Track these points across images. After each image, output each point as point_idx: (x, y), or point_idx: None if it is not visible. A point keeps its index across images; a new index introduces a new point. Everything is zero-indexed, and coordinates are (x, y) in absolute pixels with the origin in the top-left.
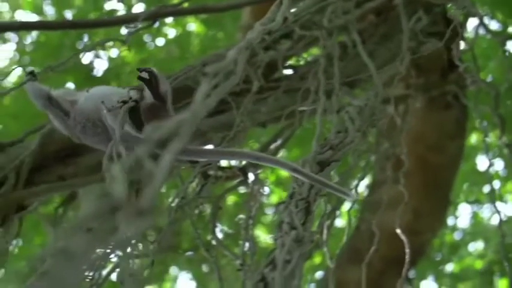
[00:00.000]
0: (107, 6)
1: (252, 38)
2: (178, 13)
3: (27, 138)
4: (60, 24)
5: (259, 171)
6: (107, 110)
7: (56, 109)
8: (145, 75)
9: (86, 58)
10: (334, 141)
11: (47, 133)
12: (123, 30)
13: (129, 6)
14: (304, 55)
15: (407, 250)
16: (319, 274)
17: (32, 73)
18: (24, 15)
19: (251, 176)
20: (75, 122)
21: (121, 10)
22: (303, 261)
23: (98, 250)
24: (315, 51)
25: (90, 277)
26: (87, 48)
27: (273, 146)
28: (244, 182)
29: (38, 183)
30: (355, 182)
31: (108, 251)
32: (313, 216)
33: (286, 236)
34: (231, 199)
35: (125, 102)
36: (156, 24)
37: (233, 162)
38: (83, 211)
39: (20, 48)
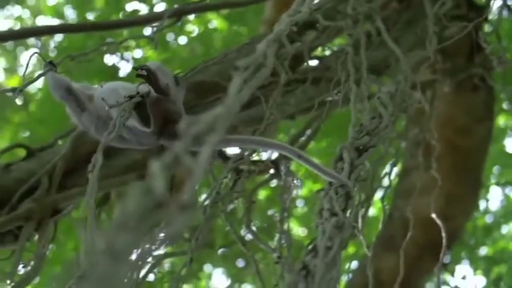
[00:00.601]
0: (129, 7)
1: (280, 30)
2: (202, 9)
3: (57, 142)
4: (83, 27)
5: (290, 163)
6: (109, 106)
7: (74, 102)
8: (143, 72)
9: (111, 59)
10: (370, 127)
11: (77, 136)
12: (147, 31)
13: (150, 6)
14: (329, 45)
15: (443, 234)
16: (353, 264)
17: (51, 63)
18: (46, 21)
19: (283, 169)
20: (90, 118)
21: (142, 10)
22: (343, 248)
23: (141, 248)
24: (338, 41)
25: (133, 277)
26: (111, 49)
27: (303, 138)
28: (276, 175)
29: (71, 187)
30: (386, 169)
31: (151, 249)
32: (353, 202)
33: (326, 222)
34: (261, 194)
35: (131, 97)
36: (179, 23)
37: (265, 156)
38: (125, 209)
39: (44, 53)
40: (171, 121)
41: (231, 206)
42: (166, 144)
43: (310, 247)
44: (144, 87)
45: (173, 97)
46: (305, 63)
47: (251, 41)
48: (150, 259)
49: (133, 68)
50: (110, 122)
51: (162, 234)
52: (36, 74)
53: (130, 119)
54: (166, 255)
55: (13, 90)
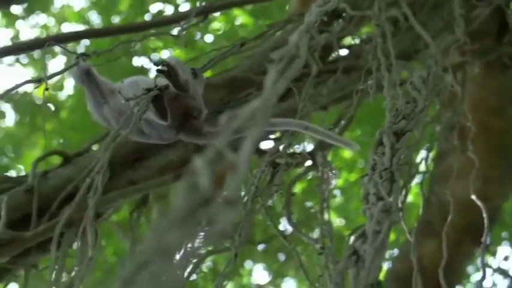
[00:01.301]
0: (153, 9)
1: (311, 21)
2: (228, 6)
3: (92, 147)
4: (108, 30)
5: (327, 154)
6: (126, 99)
7: (95, 89)
8: (163, 68)
9: (139, 61)
10: (406, 111)
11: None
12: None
13: (175, 6)
14: (357, 34)
15: (484, 215)
16: (393, 252)
17: (83, 54)
18: (71, 27)
19: (319, 160)
20: (111, 112)
21: (167, 11)
22: (390, 231)
23: (190, 246)
24: (366, 29)
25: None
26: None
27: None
28: (313, 166)
29: (109, 191)
30: (423, 154)
31: (200, 246)
32: (398, 186)
33: (373, 207)
34: (297, 187)
35: (149, 90)
36: (206, 20)
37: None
38: (172, 206)
39: (70, 60)
40: (191, 116)
41: (270, 201)
42: (186, 139)
43: (358, 233)
44: (163, 81)
45: (192, 92)
46: (334, 54)
47: (269, 29)
48: (196, 256)
49: (154, 64)
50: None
51: (208, 231)
52: (64, 81)
53: (150, 112)
54: (210, 252)
55: (39, 80)
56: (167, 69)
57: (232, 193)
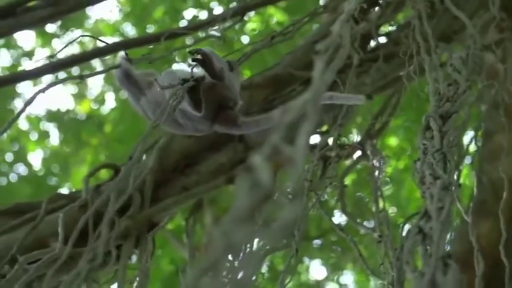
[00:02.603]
0: (188, 15)
1: (351, 9)
2: (264, 3)
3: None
4: (146, 39)
5: (376, 142)
6: (161, 87)
7: (132, 87)
8: (198, 56)
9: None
10: (449, 94)
11: (162, 148)
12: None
13: (209, 10)
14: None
15: None
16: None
17: (127, 58)
18: (106, 41)
19: (369, 149)
20: (148, 104)
21: (201, 16)
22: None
23: (256, 242)
24: (402, 15)
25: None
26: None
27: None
28: (363, 156)
29: (163, 198)
30: (470, 134)
31: (264, 242)
32: (452, 164)
33: (432, 186)
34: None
35: (185, 80)
36: (243, 20)
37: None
38: (235, 204)
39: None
40: (227, 107)
41: (324, 194)
42: (221, 130)
43: (421, 213)
44: (199, 72)
45: (228, 82)
46: (373, 42)
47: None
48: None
49: (188, 53)
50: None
51: (272, 227)
52: (106, 94)
53: (185, 103)
54: (272, 250)
55: (81, 77)
56: (202, 58)
57: (293, 187)
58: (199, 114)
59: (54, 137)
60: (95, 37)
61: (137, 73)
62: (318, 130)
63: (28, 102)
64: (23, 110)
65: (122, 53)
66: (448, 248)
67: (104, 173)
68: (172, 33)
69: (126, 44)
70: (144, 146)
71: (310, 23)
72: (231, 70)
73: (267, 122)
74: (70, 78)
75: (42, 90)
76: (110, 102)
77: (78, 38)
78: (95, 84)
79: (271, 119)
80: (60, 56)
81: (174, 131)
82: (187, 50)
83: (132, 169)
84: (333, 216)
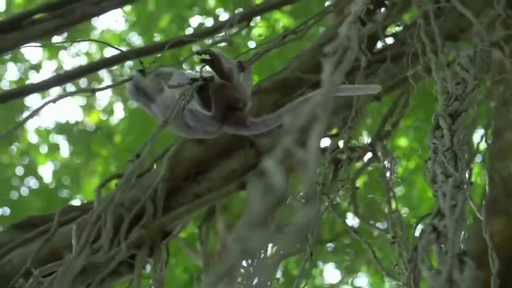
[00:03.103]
0: (194, 23)
1: (358, 11)
2: (270, 8)
3: (153, 166)
4: (154, 48)
5: (386, 143)
6: (169, 86)
7: (141, 98)
8: (206, 57)
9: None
10: (457, 92)
11: (173, 156)
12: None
13: (214, 17)
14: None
15: None
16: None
17: (141, 71)
18: (113, 51)
19: (380, 150)
20: (158, 108)
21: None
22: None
23: (272, 247)
24: (408, 15)
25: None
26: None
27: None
28: (374, 157)
29: (175, 207)
30: (480, 131)
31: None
32: (463, 162)
33: (444, 185)
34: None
35: (194, 80)
36: (250, 25)
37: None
38: (249, 209)
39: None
40: (236, 108)
41: (336, 197)
42: (230, 131)
43: (434, 212)
44: (207, 73)
45: (237, 83)
46: (380, 43)
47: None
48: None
49: (197, 53)
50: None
51: (287, 231)
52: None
53: (194, 102)
54: (287, 255)
55: (92, 91)
56: (210, 58)
57: (307, 190)
58: (209, 114)
59: (64, 149)
60: (104, 42)
61: (147, 83)
62: (328, 133)
63: (36, 112)
64: (30, 118)
65: (132, 63)
66: (462, 246)
67: (115, 184)
68: (180, 41)
69: (135, 53)
70: (154, 153)
71: (318, 24)
72: (242, 70)
73: (274, 120)
74: (81, 91)
75: (53, 101)
76: (119, 112)
77: (83, 41)
78: (103, 95)
79: (278, 117)
80: (68, 67)
81: (184, 134)
82: (196, 51)
83: (137, 168)
84: (346, 218)
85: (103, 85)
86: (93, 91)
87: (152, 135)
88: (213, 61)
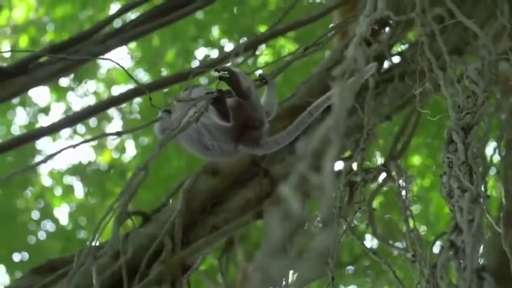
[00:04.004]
0: (199, 55)
1: (363, 32)
2: (275, 35)
3: (169, 201)
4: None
5: (399, 162)
6: (178, 99)
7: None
8: (225, 74)
9: None
10: (468, 106)
11: (188, 190)
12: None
13: (219, 49)
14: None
15: None
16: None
17: (166, 111)
18: (120, 89)
19: (393, 170)
20: (183, 136)
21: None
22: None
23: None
24: (411, 35)
25: None
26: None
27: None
28: (389, 177)
29: (194, 240)
30: (493, 144)
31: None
32: (479, 175)
33: (460, 199)
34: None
35: (209, 93)
36: (256, 53)
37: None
38: (268, 237)
39: (127, 119)
40: (252, 127)
41: (353, 219)
42: (244, 150)
43: (451, 227)
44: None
45: (255, 101)
46: (387, 62)
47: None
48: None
49: (215, 70)
50: (191, 132)
51: (307, 255)
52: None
53: (211, 119)
54: (308, 280)
55: (118, 134)
56: (229, 76)
57: (325, 214)
58: (229, 125)
59: (79, 190)
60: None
61: (171, 120)
62: (341, 156)
63: (53, 155)
64: (44, 161)
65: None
66: (481, 261)
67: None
68: (187, 74)
69: (147, 87)
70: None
71: (323, 48)
72: (265, 83)
73: (284, 138)
74: (106, 135)
75: (73, 146)
76: (131, 149)
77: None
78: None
79: (287, 135)
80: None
81: (202, 155)
82: (215, 68)
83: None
84: (364, 240)
85: (113, 124)
86: (119, 134)
87: (156, 150)
88: (231, 79)
